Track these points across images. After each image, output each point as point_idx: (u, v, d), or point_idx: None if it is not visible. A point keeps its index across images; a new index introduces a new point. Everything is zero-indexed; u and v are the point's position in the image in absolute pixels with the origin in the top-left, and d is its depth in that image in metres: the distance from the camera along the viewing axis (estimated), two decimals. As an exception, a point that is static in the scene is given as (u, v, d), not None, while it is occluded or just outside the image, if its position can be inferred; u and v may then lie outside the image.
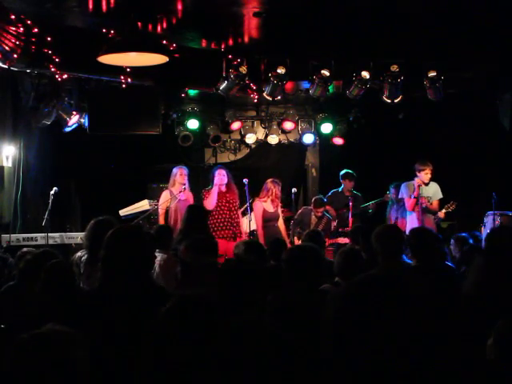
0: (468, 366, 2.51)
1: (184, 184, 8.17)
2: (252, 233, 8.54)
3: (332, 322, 2.03)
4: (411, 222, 8.27)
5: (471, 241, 6.51)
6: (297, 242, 8.49)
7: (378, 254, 4.43)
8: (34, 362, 1.91)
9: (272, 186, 8.43)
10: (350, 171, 9.31)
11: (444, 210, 8.47)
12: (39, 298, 3.79)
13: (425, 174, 8.23)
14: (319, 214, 8.75)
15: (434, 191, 8.34)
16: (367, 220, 9.07)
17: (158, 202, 8.62)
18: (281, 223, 8.53)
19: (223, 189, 8.24)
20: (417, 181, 8.21)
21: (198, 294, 2.58)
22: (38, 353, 1.93)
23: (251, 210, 8.56)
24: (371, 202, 9.35)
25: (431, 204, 8.28)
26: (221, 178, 8.20)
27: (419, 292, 3.15)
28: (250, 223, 8.43)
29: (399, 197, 8.60)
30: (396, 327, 1.97)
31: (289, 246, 7.79)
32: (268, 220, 8.45)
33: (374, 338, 1.95)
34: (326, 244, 8.43)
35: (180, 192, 8.12)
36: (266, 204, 8.46)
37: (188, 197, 8.23)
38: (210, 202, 8.11)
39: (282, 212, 8.79)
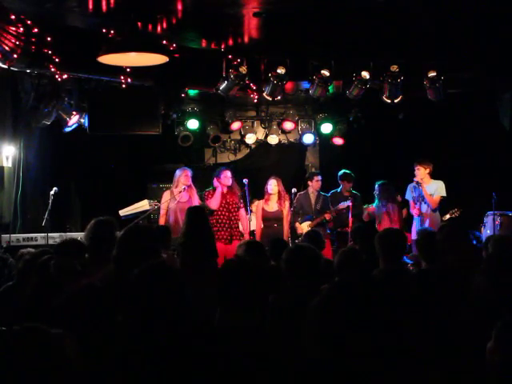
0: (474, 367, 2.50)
1: (187, 185, 8.16)
2: (252, 233, 8.56)
3: (318, 322, 2.03)
4: (415, 223, 8.40)
5: (474, 242, 6.50)
6: (300, 229, 8.61)
7: (379, 255, 4.51)
8: (23, 356, 1.91)
9: (269, 183, 8.50)
10: (347, 172, 9.31)
11: (448, 216, 8.50)
12: (33, 294, 3.79)
13: (415, 171, 8.39)
14: (319, 185, 8.85)
15: (435, 188, 8.38)
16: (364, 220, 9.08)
17: (158, 202, 8.63)
18: (286, 223, 8.50)
19: (224, 190, 8.26)
20: (415, 184, 8.30)
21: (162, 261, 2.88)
22: (26, 347, 1.93)
23: (251, 210, 8.59)
24: (371, 204, 9.32)
25: (431, 196, 8.33)
26: (228, 179, 8.24)
27: (432, 294, 3.16)
28: (249, 223, 8.45)
29: (405, 197, 8.67)
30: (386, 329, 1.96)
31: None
32: (267, 220, 8.47)
33: (360, 338, 1.94)
34: (329, 217, 8.61)
35: (180, 192, 8.11)
36: (266, 204, 8.49)
37: (192, 198, 8.20)
38: (214, 203, 8.14)
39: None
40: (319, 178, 8.96)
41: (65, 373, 1.93)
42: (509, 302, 3.01)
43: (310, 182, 9.04)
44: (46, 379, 1.89)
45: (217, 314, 2.83)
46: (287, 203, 8.53)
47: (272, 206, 8.50)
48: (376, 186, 8.91)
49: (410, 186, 8.55)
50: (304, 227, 8.67)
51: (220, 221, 8.20)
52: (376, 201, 8.94)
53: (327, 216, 8.76)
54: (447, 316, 2.79)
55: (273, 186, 8.49)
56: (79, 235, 7.85)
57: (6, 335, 1.97)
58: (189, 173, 8.24)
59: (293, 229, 8.71)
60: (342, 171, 9.35)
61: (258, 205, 8.60)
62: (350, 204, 8.79)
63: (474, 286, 3.45)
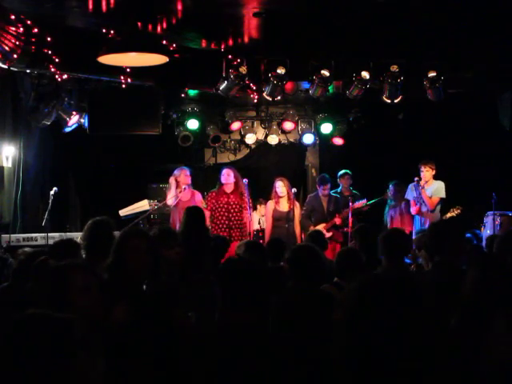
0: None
1: (187, 184, 8.16)
2: (254, 232, 8.56)
3: (345, 321, 2.01)
4: (415, 223, 8.43)
5: (475, 241, 6.51)
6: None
7: (383, 255, 4.46)
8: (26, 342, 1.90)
9: (277, 185, 8.48)
10: (345, 171, 9.38)
11: (449, 214, 8.50)
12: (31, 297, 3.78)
13: (424, 172, 8.38)
14: (326, 193, 8.79)
15: (435, 189, 8.39)
16: (363, 219, 9.07)
17: (157, 202, 8.63)
18: (296, 224, 8.47)
19: (228, 190, 8.25)
20: (420, 183, 8.30)
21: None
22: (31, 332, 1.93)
23: (252, 210, 8.58)
24: (372, 200, 9.34)
25: (430, 198, 8.32)
26: (226, 177, 8.22)
27: (440, 293, 3.15)
28: (250, 224, 8.44)
29: (405, 197, 8.67)
30: (409, 326, 1.95)
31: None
32: (278, 219, 8.46)
33: (386, 337, 1.93)
34: (339, 221, 8.62)
35: (180, 192, 8.12)
36: (277, 204, 8.48)
37: (192, 198, 8.18)
38: (169, 199, 8.12)
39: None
40: (328, 186, 8.84)
41: (73, 357, 1.92)
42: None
43: (318, 187, 8.97)
44: (54, 364, 1.88)
45: (217, 311, 2.84)
46: (297, 203, 8.53)
47: (283, 205, 8.48)
48: (390, 186, 8.90)
49: (411, 186, 8.57)
50: (319, 228, 8.69)
51: (218, 221, 8.19)
52: (389, 201, 8.95)
53: (337, 221, 8.71)
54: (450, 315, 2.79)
55: (281, 188, 8.46)
56: (79, 235, 7.88)
57: (12, 322, 1.96)
58: (187, 172, 8.24)
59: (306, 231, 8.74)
60: (343, 171, 9.41)
61: (268, 205, 8.60)
62: (366, 201, 8.79)
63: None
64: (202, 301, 3.80)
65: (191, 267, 5.30)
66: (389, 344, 1.93)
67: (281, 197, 8.47)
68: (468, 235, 6.77)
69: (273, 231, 8.45)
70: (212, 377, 2.54)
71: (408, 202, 8.73)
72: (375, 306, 1.96)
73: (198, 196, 8.22)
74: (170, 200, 8.14)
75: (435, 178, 8.51)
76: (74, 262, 3.06)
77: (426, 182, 8.41)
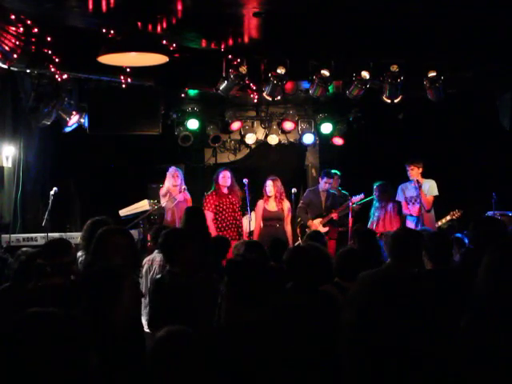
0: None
1: (177, 185, 8.23)
2: (251, 233, 8.56)
3: (356, 321, 2.01)
4: (409, 223, 8.38)
5: (466, 240, 6.48)
6: (314, 226, 8.63)
7: (389, 254, 4.46)
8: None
9: (266, 184, 8.51)
10: (334, 171, 9.40)
11: (448, 217, 8.49)
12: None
13: (409, 171, 8.41)
14: (326, 186, 8.91)
15: (427, 188, 8.39)
16: (356, 217, 9.08)
17: (157, 202, 8.65)
18: (286, 224, 8.53)
19: (225, 191, 8.30)
20: (420, 183, 8.29)
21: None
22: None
23: (251, 210, 8.60)
24: (363, 199, 9.33)
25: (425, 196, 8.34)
26: (225, 180, 8.26)
27: (438, 294, 3.14)
28: (250, 223, 8.46)
29: (396, 199, 8.65)
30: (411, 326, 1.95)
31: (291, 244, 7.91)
32: (268, 219, 8.48)
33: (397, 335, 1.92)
34: (336, 216, 8.77)
35: (180, 192, 8.17)
36: (266, 203, 8.50)
37: (186, 198, 8.27)
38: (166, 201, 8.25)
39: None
40: (331, 181, 8.96)
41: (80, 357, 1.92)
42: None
43: (320, 180, 9.09)
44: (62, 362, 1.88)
45: (221, 309, 2.84)
46: (287, 203, 8.53)
47: (272, 205, 8.52)
48: (374, 186, 8.89)
49: (402, 187, 8.57)
50: (316, 223, 8.72)
51: (226, 220, 8.24)
52: (375, 202, 8.93)
53: (334, 216, 8.78)
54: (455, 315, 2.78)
55: (270, 187, 8.52)
56: (79, 235, 7.87)
57: (20, 320, 1.96)
58: (176, 172, 8.34)
59: (303, 226, 8.76)
60: (332, 171, 9.41)
61: (258, 204, 8.62)
62: (363, 196, 8.84)
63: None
64: (205, 300, 3.81)
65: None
66: (401, 341, 1.93)
67: (269, 196, 8.50)
68: (458, 235, 6.76)
69: (264, 231, 8.46)
70: (213, 376, 2.54)
71: (396, 202, 8.71)
72: (387, 304, 1.96)
73: (187, 195, 8.35)
74: (169, 202, 8.21)
75: (431, 176, 8.50)
76: (122, 263, 3.20)
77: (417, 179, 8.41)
